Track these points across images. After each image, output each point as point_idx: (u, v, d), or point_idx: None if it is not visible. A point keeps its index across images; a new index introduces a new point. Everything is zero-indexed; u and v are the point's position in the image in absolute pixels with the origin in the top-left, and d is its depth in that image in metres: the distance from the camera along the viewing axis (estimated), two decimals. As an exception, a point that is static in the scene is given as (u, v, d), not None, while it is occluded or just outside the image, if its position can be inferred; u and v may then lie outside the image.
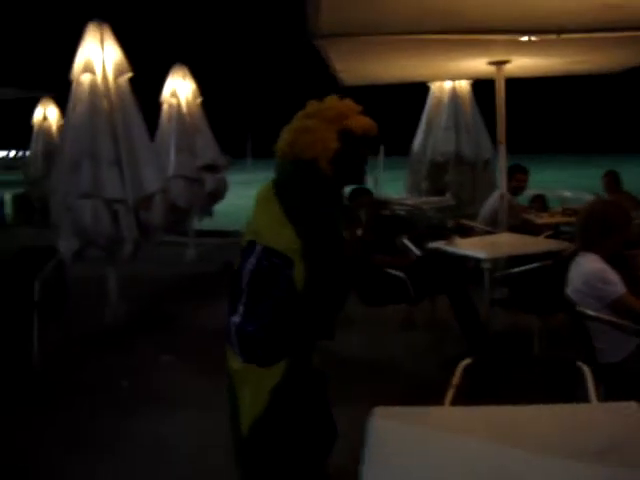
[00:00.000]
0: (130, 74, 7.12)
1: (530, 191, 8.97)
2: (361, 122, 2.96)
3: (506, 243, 6.35)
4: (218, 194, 11.01)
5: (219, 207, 11.51)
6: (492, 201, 7.68)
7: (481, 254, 5.63)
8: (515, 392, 2.91)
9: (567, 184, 17.93)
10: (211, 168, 10.65)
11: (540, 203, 8.83)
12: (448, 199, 10.33)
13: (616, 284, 3.82)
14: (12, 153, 50.02)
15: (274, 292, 2.79)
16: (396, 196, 11.49)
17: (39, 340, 5.64)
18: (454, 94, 10.68)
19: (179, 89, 10.61)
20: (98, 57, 6.91)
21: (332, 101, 2.97)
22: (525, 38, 5.76)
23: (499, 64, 7.18)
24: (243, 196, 14.54)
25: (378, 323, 6.69)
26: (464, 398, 2.81)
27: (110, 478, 4.04)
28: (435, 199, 10.32)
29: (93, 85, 6.87)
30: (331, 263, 2.82)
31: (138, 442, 4.44)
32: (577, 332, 3.99)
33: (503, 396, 2.91)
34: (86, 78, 6.87)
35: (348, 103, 2.98)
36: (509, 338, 5.90)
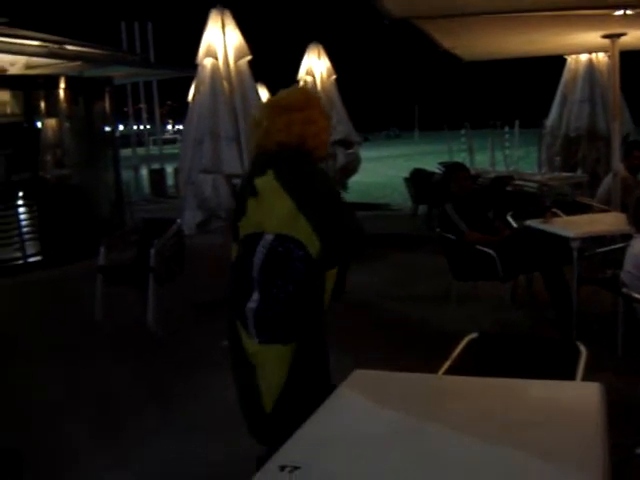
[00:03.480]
0: (249, 57, 7.55)
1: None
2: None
3: (605, 222, 6.23)
4: (351, 168, 11.35)
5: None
6: (608, 179, 7.50)
7: (569, 233, 5.60)
8: (520, 369, 3.02)
9: None
10: (344, 143, 11.00)
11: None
12: (579, 175, 10.08)
13: (664, 267, 3.79)
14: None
15: (290, 274, 2.94)
16: (527, 172, 11.32)
17: (155, 301, 6.27)
18: (591, 67, 10.35)
19: (314, 67, 11.01)
20: (219, 42, 7.40)
21: (306, 90, 3.22)
22: (620, 12, 5.61)
23: (614, 37, 6.96)
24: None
25: (480, 299, 6.81)
26: (476, 371, 2.99)
27: (188, 425, 4.53)
28: (565, 175, 10.10)
29: (215, 68, 7.37)
30: (342, 239, 3.03)
31: (222, 395, 4.88)
32: (626, 314, 3.99)
33: (509, 372, 3.04)
34: (208, 62, 7.37)
35: None
36: (597, 317, 5.82)
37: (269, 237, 2.98)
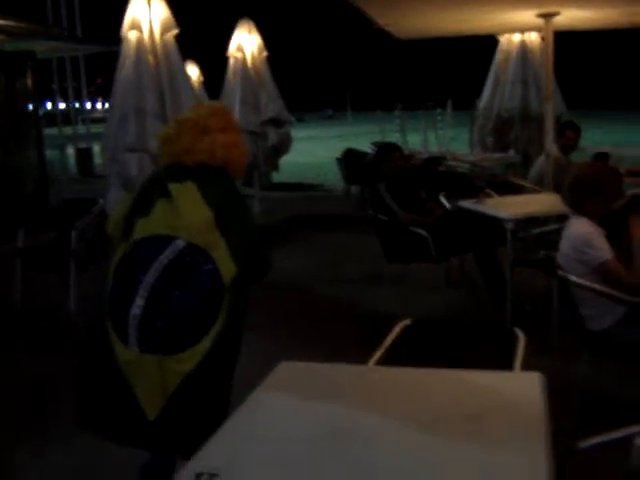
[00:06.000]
0: (176, 31, 7.25)
1: (593, 149, 8.67)
2: None
3: (538, 203, 6.18)
4: (282, 148, 11.16)
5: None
6: (541, 160, 7.49)
7: (503, 214, 5.52)
8: (456, 357, 2.89)
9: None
10: (275, 122, 10.78)
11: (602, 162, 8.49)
12: (512, 156, 10.10)
13: (601, 249, 3.70)
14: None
15: (191, 286, 2.77)
16: (459, 152, 11.32)
17: (76, 287, 5.98)
18: (523, 48, 10.36)
19: (245, 43, 10.73)
20: (145, 15, 7.06)
21: (223, 109, 3.17)
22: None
23: (548, 16, 6.91)
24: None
25: (413, 281, 6.71)
26: (410, 360, 2.84)
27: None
28: (497, 156, 10.11)
29: (140, 42, 7.04)
30: (255, 255, 2.96)
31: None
32: (563, 298, 3.91)
33: (445, 360, 2.91)
34: (133, 35, 7.04)
35: None
36: (530, 299, 5.79)
37: (180, 243, 2.80)
